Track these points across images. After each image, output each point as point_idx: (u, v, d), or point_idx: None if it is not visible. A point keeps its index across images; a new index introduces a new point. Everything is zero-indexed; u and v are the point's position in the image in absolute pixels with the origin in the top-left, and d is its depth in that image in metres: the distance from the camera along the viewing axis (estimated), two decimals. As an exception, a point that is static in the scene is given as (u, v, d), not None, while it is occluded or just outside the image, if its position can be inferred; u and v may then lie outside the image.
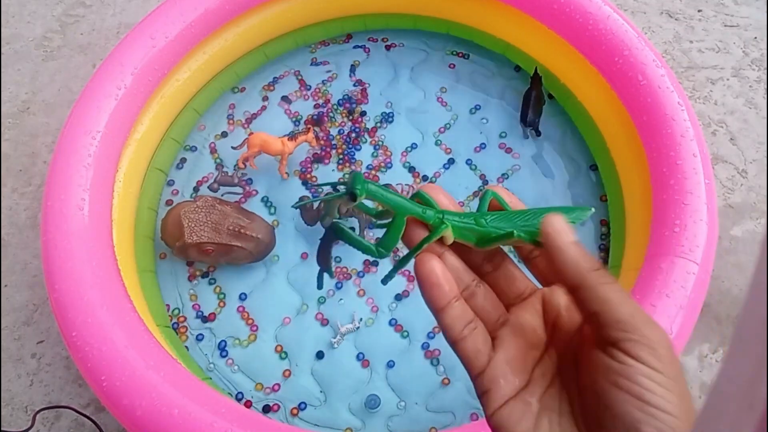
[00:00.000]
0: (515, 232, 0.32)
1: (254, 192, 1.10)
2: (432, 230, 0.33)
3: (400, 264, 0.35)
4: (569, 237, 0.29)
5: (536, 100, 1.12)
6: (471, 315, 0.32)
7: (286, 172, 1.10)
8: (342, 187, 0.32)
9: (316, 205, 1.02)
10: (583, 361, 0.30)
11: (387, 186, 1.11)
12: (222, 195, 1.07)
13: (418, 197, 0.34)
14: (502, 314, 0.33)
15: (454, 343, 0.32)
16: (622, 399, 0.26)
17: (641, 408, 0.25)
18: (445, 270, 0.32)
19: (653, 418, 0.25)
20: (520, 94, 1.15)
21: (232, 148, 1.11)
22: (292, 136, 1.06)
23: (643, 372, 0.26)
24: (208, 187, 1.08)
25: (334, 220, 0.34)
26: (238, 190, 1.09)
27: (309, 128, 1.09)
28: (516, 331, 0.32)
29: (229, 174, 1.08)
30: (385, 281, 0.37)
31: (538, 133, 1.13)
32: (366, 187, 0.32)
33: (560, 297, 0.33)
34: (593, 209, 0.38)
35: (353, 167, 1.12)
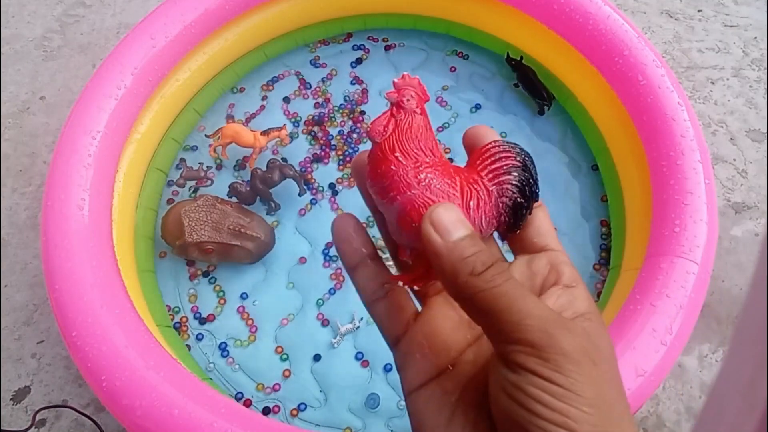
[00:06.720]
0: None
1: (254, 192, 1.10)
2: None
3: None
4: (450, 236, 0.24)
5: (534, 77, 1.13)
6: (387, 276, 0.28)
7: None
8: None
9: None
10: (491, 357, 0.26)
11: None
12: (191, 189, 1.08)
13: None
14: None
15: (368, 307, 0.29)
16: (514, 409, 0.23)
17: (531, 420, 0.23)
18: (359, 227, 0.28)
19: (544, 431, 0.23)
20: (517, 90, 1.16)
21: (206, 136, 1.12)
22: (265, 132, 1.07)
23: (535, 383, 0.23)
24: (175, 183, 1.08)
25: None
26: (207, 183, 1.09)
27: (284, 125, 1.08)
28: (450, 302, 0.27)
29: (194, 168, 1.08)
30: None
31: (550, 104, 1.14)
32: None
33: (515, 269, 0.28)
34: None
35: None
